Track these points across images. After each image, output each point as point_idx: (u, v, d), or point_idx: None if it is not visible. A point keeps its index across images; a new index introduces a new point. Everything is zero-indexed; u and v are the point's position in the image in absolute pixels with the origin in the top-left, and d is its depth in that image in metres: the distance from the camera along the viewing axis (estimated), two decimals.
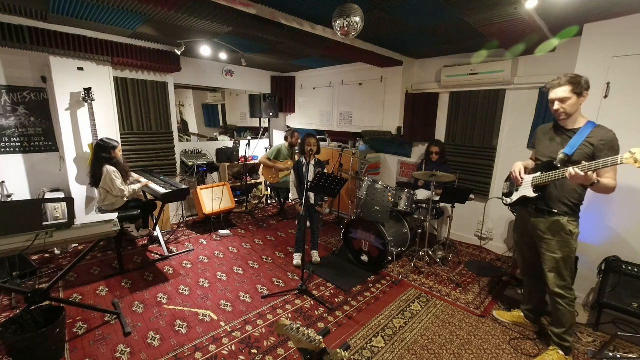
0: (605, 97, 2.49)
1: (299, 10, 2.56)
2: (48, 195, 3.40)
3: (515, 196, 2.19)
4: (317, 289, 2.96)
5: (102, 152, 3.08)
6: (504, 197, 2.35)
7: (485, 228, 3.96)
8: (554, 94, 1.89)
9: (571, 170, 1.72)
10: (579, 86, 1.81)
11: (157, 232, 3.57)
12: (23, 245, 1.84)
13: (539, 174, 2.01)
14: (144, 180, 3.43)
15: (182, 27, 3.07)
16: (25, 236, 1.88)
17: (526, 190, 2.10)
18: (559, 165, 1.89)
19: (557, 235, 2.00)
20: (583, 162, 1.72)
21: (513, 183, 2.24)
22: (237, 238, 4.06)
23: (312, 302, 2.73)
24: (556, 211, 1.99)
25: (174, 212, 4.49)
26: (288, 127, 6.01)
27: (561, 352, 2.07)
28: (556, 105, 1.89)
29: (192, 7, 2.20)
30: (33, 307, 2.09)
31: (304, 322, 2.49)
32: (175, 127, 4.37)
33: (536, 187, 2.03)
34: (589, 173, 1.66)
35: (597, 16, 2.43)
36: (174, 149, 4.37)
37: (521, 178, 2.11)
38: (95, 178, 3.11)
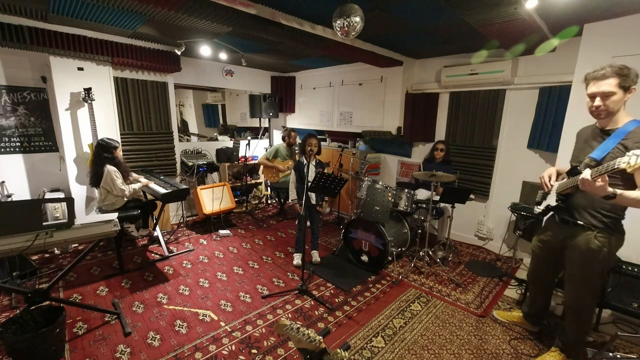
0: None
1: (299, 10, 2.56)
2: (48, 195, 3.40)
3: (544, 204, 2.00)
4: (317, 289, 2.96)
5: (103, 152, 3.09)
6: (536, 206, 2.11)
7: (485, 228, 3.97)
8: (597, 87, 1.60)
9: (583, 174, 1.48)
10: (628, 79, 1.54)
11: (157, 232, 3.57)
12: (23, 245, 1.84)
13: (564, 180, 1.81)
14: (144, 180, 3.43)
15: (182, 27, 3.07)
16: (25, 236, 1.88)
17: (551, 198, 1.91)
18: (582, 171, 1.61)
19: (577, 251, 1.78)
20: (598, 167, 1.47)
21: (547, 191, 2.03)
22: (237, 238, 4.06)
23: (312, 302, 2.73)
24: (581, 223, 1.76)
25: (174, 212, 4.49)
26: (284, 127, 6.01)
27: (562, 354, 2.05)
28: (597, 101, 1.60)
29: (192, 7, 2.20)
30: (33, 307, 2.09)
31: (304, 322, 2.49)
32: (175, 127, 4.37)
33: (558, 195, 1.85)
34: (598, 181, 1.42)
35: (597, 16, 2.44)
36: (174, 149, 4.37)
37: (550, 185, 1.90)
38: (96, 178, 3.11)
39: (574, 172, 1.75)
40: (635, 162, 1.28)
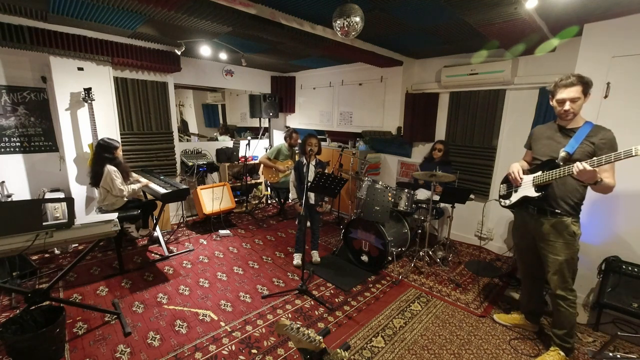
0: (605, 97, 2.49)
1: (299, 10, 2.56)
2: (48, 195, 3.40)
3: (515, 197, 2.16)
4: (317, 289, 2.96)
5: (104, 152, 3.09)
6: (501, 199, 2.32)
7: (485, 228, 3.96)
8: (566, 93, 1.86)
9: (579, 165, 1.70)
10: (588, 86, 1.82)
11: (157, 232, 3.57)
12: (23, 245, 1.84)
13: (539, 173, 1.99)
14: (143, 180, 3.43)
15: (182, 27, 3.07)
16: (25, 236, 1.88)
17: (527, 190, 2.06)
18: (561, 164, 1.88)
19: (560, 236, 1.97)
20: (594, 157, 1.72)
21: (511, 184, 2.22)
22: (237, 238, 4.06)
23: (312, 302, 2.73)
24: (559, 211, 1.97)
25: (174, 212, 4.49)
26: (287, 127, 6.02)
27: (562, 353, 2.07)
28: (567, 106, 1.86)
29: (192, 7, 2.20)
30: (33, 307, 2.09)
31: (304, 322, 2.49)
32: (175, 127, 4.37)
33: (538, 187, 2.00)
34: (596, 169, 1.67)
35: (597, 16, 2.43)
36: (174, 149, 4.37)
37: (520, 178, 2.09)
38: (96, 178, 3.11)
39: (551, 164, 1.94)
40: None
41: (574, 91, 1.83)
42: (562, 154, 1.89)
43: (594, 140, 1.83)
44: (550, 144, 2.03)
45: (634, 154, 1.56)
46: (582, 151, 1.85)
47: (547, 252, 2.04)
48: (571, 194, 1.95)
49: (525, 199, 2.09)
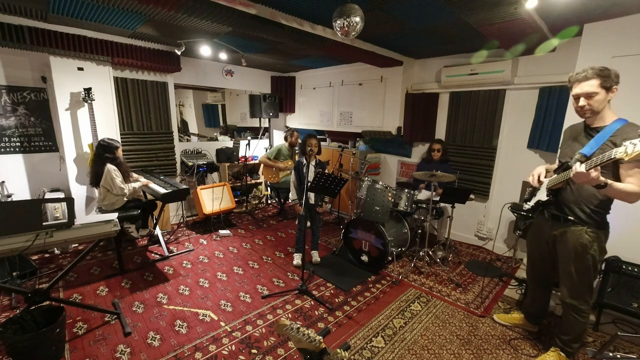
0: None
1: (299, 10, 2.56)
2: (48, 195, 3.40)
3: (533, 201, 2.06)
4: (317, 289, 2.96)
5: (105, 152, 3.10)
6: (525, 203, 2.18)
7: (485, 228, 3.97)
8: (579, 88, 1.70)
9: (574, 167, 1.60)
10: (608, 79, 1.64)
11: (157, 232, 3.57)
12: (23, 245, 1.84)
13: (554, 176, 1.88)
14: (143, 180, 3.43)
15: (182, 27, 3.07)
16: (25, 236, 1.88)
17: (542, 194, 1.98)
18: (573, 166, 1.71)
19: (570, 246, 1.86)
20: (593, 159, 1.58)
21: (535, 188, 2.09)
22: (237, 238, 4.06)
23: (312, 302, 2.73)
24: (572, 218, 1.84)
25: (174, 212, 4.49)
26: (287, 127, 6.01)
27: (562, 354, 2.05)
28: (581, 102, 1.70)
29: (192, 7, 2.21)
30: (33, 307, 2.09)
31: (304, 322, 2.49)
32: (175, 127, 4.37)
33: (549, 190, 1.91)
34: (592, 171, 1.52)
35: (597, 16, 2.44)
36: (174, 149, 4.37)
37: (539, 182, 1.97)
38: (96, 177, 3.12)
39: (564, 167, 1.82)
40: (633, 151, 1.34)
41: (589, 85, 1.66)
42: (576, 155, 1.73)
43: (616, 141, 1.61)
44: (572, 144, 1.88)
45: (613, 156, 1.44)
46: (601, 153, 1.60)
47: (559, 261, 1.97)
48: (587, 201, 1.79)
49: (538, 203, 2.01)
